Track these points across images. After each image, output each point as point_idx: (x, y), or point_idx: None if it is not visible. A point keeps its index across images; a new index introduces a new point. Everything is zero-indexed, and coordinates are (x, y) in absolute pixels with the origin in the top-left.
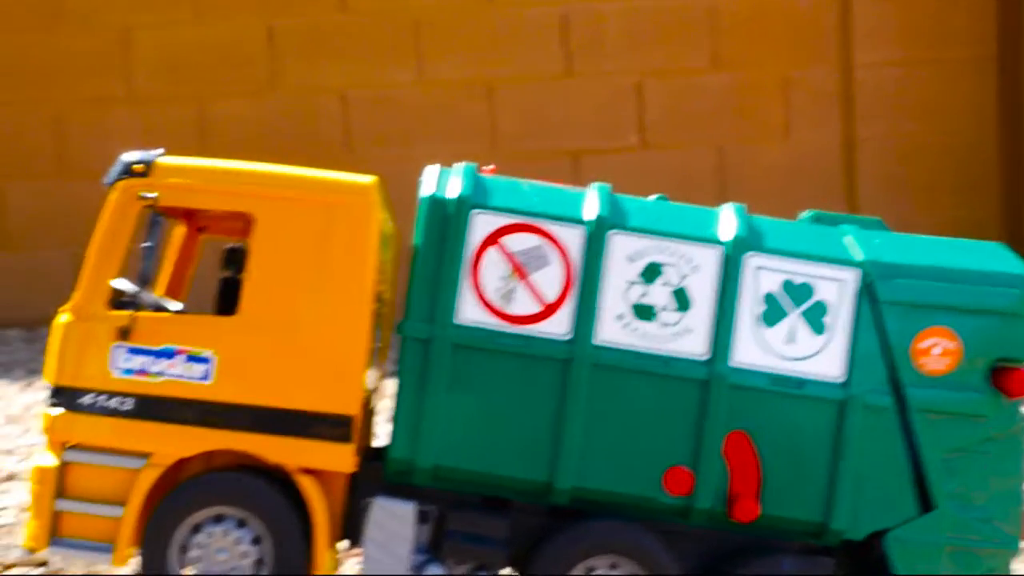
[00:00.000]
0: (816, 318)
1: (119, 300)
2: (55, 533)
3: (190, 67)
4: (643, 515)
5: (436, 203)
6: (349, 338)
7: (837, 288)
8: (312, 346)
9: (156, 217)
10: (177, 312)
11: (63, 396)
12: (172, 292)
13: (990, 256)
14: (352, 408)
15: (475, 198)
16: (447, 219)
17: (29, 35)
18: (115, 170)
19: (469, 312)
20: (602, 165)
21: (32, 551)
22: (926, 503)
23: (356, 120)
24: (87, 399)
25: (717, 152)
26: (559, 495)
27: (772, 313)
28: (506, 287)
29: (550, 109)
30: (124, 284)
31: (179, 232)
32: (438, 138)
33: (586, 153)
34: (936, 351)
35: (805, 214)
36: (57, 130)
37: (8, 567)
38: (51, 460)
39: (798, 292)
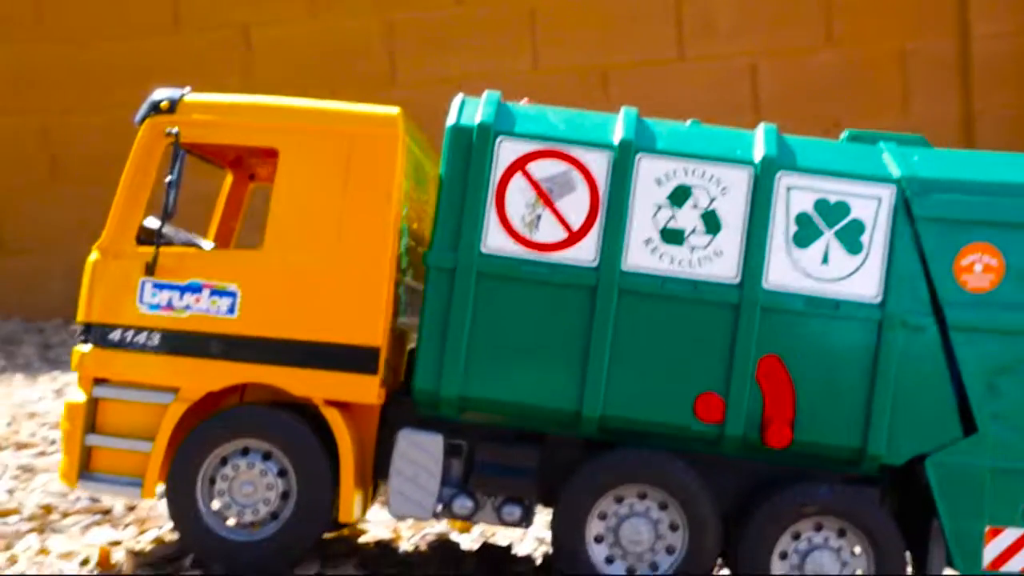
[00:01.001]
0: (851, 237)
1: (152, 237)
2: (85, 468)
3: (308, 63)
4: (676, 444)
5: (460, 131)
6: (372, 269)
7: (873, 206)
8: (336, 278)
9: (179, 152)
10: (190, 246)
11: (92, 333)
12: (220, 240)
13: None
14: (376, 339)
15: (499, 125)
16: (471, 147)
17: (151, 39)
18: (143, 108)
19: (494, 240)
20: None
21: (68, 486)
22: (969, 426)
23: None
24: (115, 335)
25: (834, 129)
26: (588, 424)
27: (805, 234)
28: (532, 214)
29: (664, 93)
30: (154, 222)
31: (228, 180)
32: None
33: None
34: (978, 268)
35: (844, 133)
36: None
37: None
38: (80, 396)
39: (832, 211)
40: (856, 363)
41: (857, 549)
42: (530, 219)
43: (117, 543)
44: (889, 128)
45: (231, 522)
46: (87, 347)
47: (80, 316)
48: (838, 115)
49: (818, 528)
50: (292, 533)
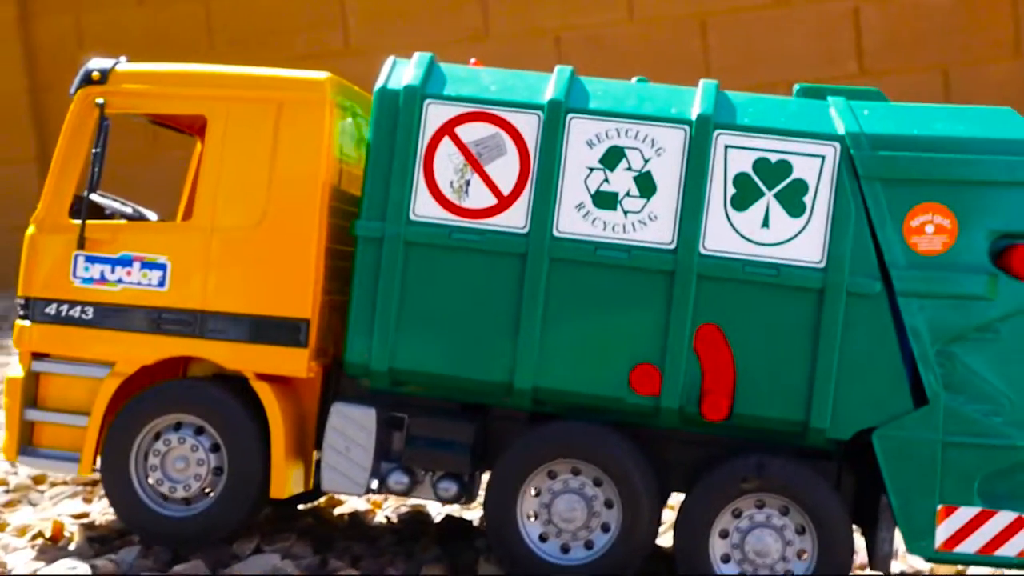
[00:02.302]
0: (793, 199)
1: (94, 211)
2: (28, 443)
3: (404, 17)
4: (614, 417)
5: (386, 94)
6: (301, 238)
7: (816, 165)
8: (264, 248)
9: (104, 123)
10: (133, 219)
11: (31, 307)
12: (190, 209)
13: (993, 122)
14: (305, 311)
15: (427, 88)
16: (397, 111)
17: None
18: (77, 79)
19: (423, 208)
20: None
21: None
22: (920, 398)
23: (569, 61)
24: (51, 309)
25: (942, 74)
26: (520, 397)
27: (744, 195)
28: (461, 180)
29: (764, 41)
30: (98, 197)
31: (198, 149)
32: (652, 75)
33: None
34: (929, 229)
35: (795, 87)
36: None
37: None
38: (19, 371)
39: (773, 171)
40: (798, 332)
41: (801, 528)
42: (459, 185)
43: (84, 515)
44: (999, 77)
45: (166, 497)
46: (26, 322)
47: (19, 291)
48: (946, 61)
49: (760, 506)
50: (226, 508)
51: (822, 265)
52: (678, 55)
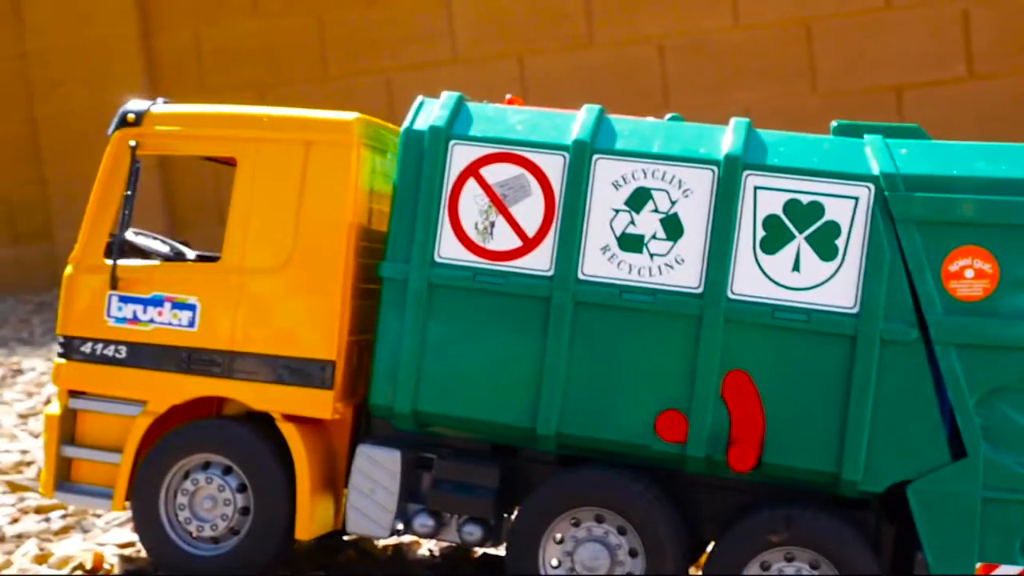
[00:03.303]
0: (825, 242)
1: (131, 250)
2: (65, 478)
3: (509, 25)
4: (641, 463)
5: (412, 135)
6: (327, 280)
7: (849, 207)
8: (291, 291)
9: (135, 165)
10: (168, 260)
11: (67, 345)
12: None
13: None
14: (331, 353)
15: (452, 128)
16: (423, 152)
17: (359, 10)
18: (114, 120)
19: (447, 249)
20: (927, 99)
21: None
22: (958, 450)
23: (673, 69)
24: (87, 347)
25: None
26: (544, 442)
27: (774, 238)
28: (486, 221)
29: (870, 45)
30: (133, 235)
31: None
32: (756, 82)
33: (909, 88)
34: (969, 274)
35: (833, 124)
36: (389, 96)
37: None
38: (56, 408)
39: (804, 213)
40: (830, 380)
41: None
42: (484, 226)
43: (130, 544)
44: None
45: (194, 536)
46: (63, 360)
47: (58, 329)
48: None
49: (789, 559)
50: (252, 548)
51: (855, 311)
52: (783, 61)
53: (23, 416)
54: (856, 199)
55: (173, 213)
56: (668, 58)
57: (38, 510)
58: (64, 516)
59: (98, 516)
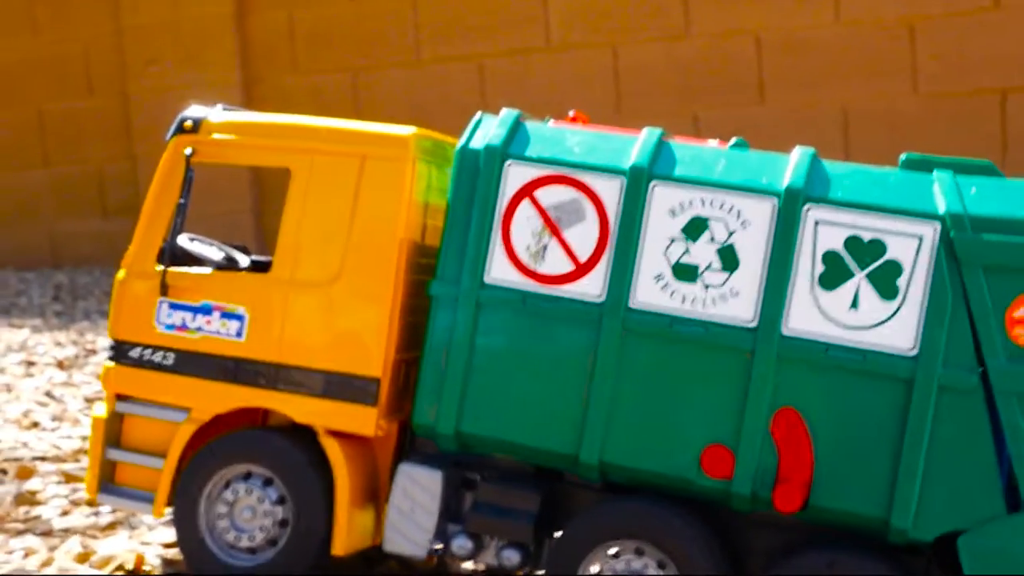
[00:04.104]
0: (886, 280)
1: (183, 257)
2: (110, 481)
3: (605, 15)
4: (685, 497)
5: (467, 154)
6: (375, 297)
7: (912, 246)
8: (339, 305)
9: (189, 174)
10: (220, 268)
11: (116, 349)
12: None
13: None
14: (376, 370)
15: (508, 148)
16: (478, 171)
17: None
18: (172, 127)
19: (498, 271)
20: None
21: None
22: (1015, 502)
23: (769, 63)
24: (135, 352)
25: None
26: (586, 470)
27: (833, 274)
28: (538, 244)
29: (975, 45)
30: (186, 240)
31: None
32: (854, 80)
33: (1014, 91)
34: None
35: (902, 157)
36: (481, 82)
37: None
38: (103, 411)
39: (865, 250)
40: (883, 423)
41: None
42: (536, 249)
43: (175, 544)
44: None
45: (232, 546)
46: (112, 363)
47: (109, 332)
48: None
49: None
50: (288, 561)
51: (913, 354)
52: (883, 60)
53: (89, 400)
54: (920, 238)
55: (262, 217)
56: (765, 52)
57: (89, 503)
58: (113, 511)
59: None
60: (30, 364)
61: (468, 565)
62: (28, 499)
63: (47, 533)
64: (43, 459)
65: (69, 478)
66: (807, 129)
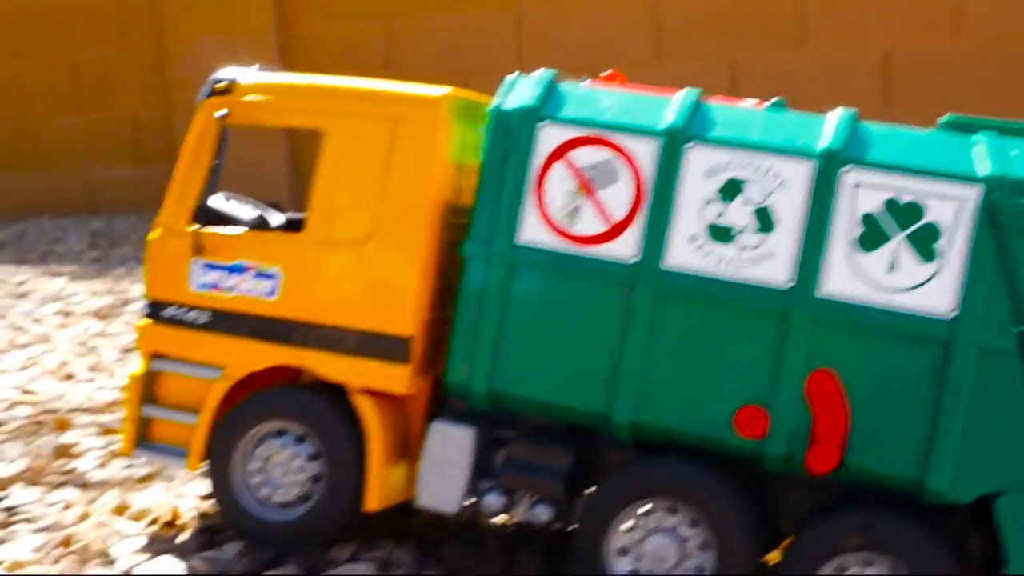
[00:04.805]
0: (925, 243)
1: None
2: (145, 437)
3: (719, 21)
4: (718, 456)
5: (500, 116)
6: (408, 256)
7: (952, 208)
8: (372, 264)
9: (224, 135)
10: (253, 227)
11: (151, 308)
12: None
13: None
14: (407, 328)
15: (543, 109)
16: (511, 132)
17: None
18: (204, 88)
19: (531, 232)
20: None
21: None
22: None
23: (811, 9)
24: (169, 312)
25: None
26: (618, 429)
27: (871, 236)
28: (571, 205)
29: None
30: (219, 200)
31: None
32: (896, 25)
33: None
34: None
35: (943, 119)
36: (518, 26)
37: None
38: (138, 368)
39: (904, 213)
40: (920, 385)
41: None
42: (569, 210)
43: (210, 496)
44: None
45: (265, 502)
46: (146, 321)
47: (146, 293)
48: None
49: (868, 563)
50: (321, 517)
51: (952, 317)
52: (928, 5)
53: (125, 350)
54: (961, 201)
55: (297, 165)
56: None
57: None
58: (149, 464)
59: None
60: (67, 315)
61: (499, 519)
62: (65, 451)
63: (84, 486)
64: (80, 411)
65: (105, 430)
66: (847, 76)
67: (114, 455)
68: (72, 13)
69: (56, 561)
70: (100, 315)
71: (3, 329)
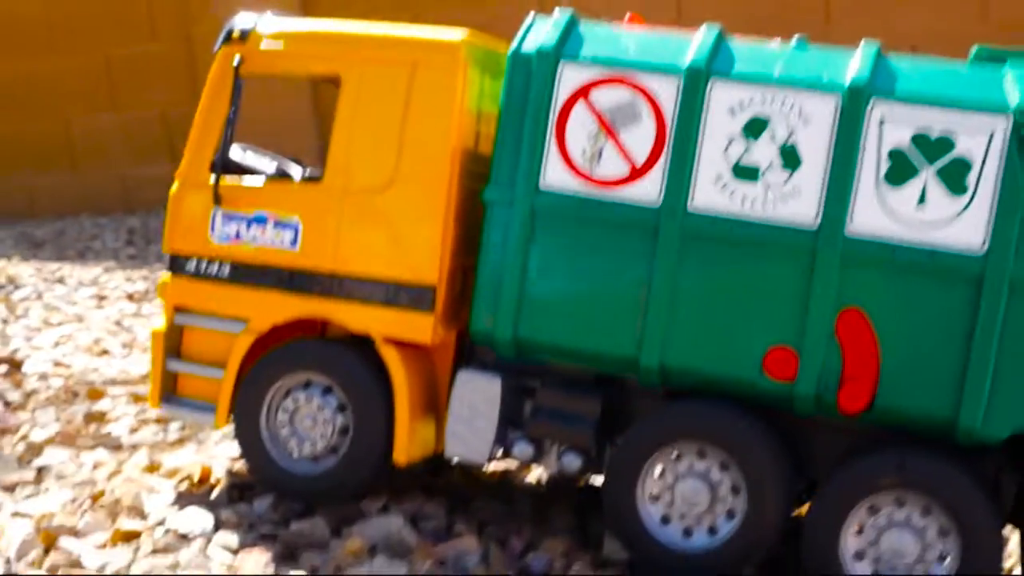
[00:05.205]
0: (955, 177)
1: (235, 167)
2: (172, 392)
3: (743, 3)
4: (748, 399)
5: (519, 57)
6: (429, 203)
7: (983, 140)
8: (393, 212)
9: (238, 83)
10: (275, 178)
11: (173, 262)
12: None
13: None
14: (431, 277)
15: (562, 49)
16: (531, 74)
17: None
18: (220, 36)
19: (553, 176)
20: None
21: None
22: None
23: None
24: (191, 265)
25: None
26: (647, 374)
27: (899, 171)
28: (594, 147)
29: None
30: (239, 151)
31: None
32: (922, 7)
33: None
34: None
35: (973, 49)
36: None
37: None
38: (163, 324)
39: (933, 146)
40: (952, 322)
41: (945, 530)
42: (591, 152)
43: (241, 458)
44: None
45: (293, 454)
46: (169, 276)
47: (164, 246)
48: None
49: (900, 503)
50: (350, 469)
51: (983, 251)
52: None
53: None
54: (991, 132)
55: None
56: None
57: (157, 420)
58: (182, 428)
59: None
60: (101, 298)
61: (531, 478)
62: (98, 417)
63: (116, 447)
64: (113, 383)
65: (138, 399)
66: None
67: (146, 422)
68: (103, 11)
69: (85, 513)
70: (134, 298)
71: (38, 309)
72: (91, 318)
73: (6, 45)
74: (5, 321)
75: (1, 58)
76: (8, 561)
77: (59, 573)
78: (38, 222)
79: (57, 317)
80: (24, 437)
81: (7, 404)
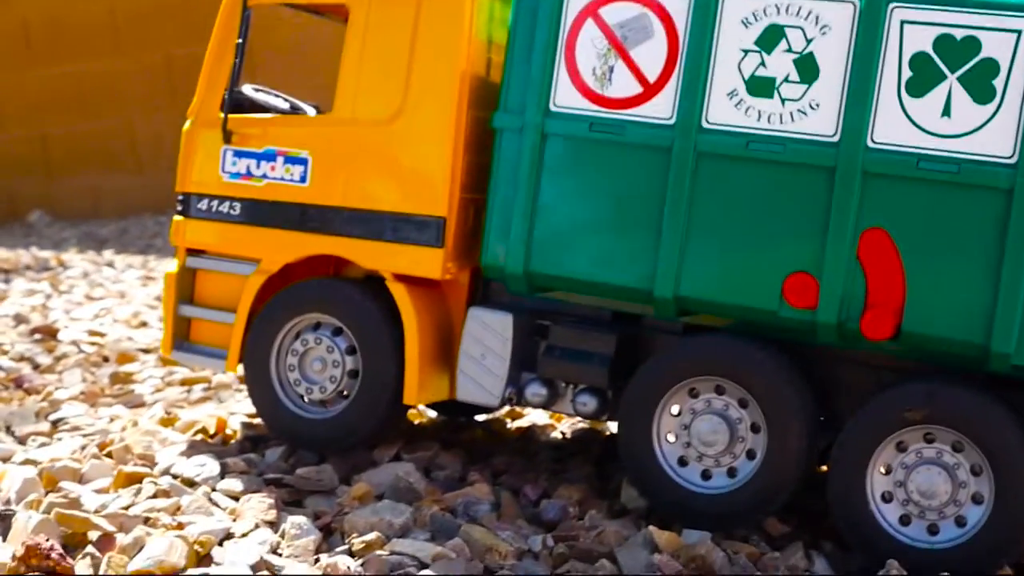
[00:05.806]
0: (981, 82)
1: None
2: (185, 338)
3: None
4: (767, 332)
5: None
6: (438, 133)
7: (1009, 42)
8: (401, 144)
9: (246, 14)
10: (283, 112)
11: (184, 202)
12: None
13: None
14: (440, 209)
15: None
16: None
17: None
18: None
19: (564, 97)
20: None
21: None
22: None
23: None
24: (203, 204)
25: None
26: (662, 306)
27: (922, 79)
28: (604, 66)
29: None
30: (249, 89)
31: None
32: None
33: None
34: None
35: None
36: None
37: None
38: (175, 267)
39: (957, 50)
40: (982, 239)
41: (978, 468)
42: (602, 71)
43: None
44: None
45: (304, 399)
46: (181, 217)
47: (176, 186)
48: None
49: (929, 440)
50: (360, 412)
51: (1013, 160)
52: None
53: None
54: (1019, 32)
55: None
56: None
57: (183, 382)
58: (207, 389)
59: (240, 391)
60: (148, 279)
61: (556, 434)
62: (124, 378)
63: (139, 405)
64: (146, 351)
65: (166, 362)
66: None
67: (171, 384)
68: (167, 12)
69: (90, 459)
70: None
71: (83, 286)
72: (134, 295)
73: (74, 49)
74: (48, 296)
75: (69, 61)
76: (8, 502)
77: (53, 512)
78: (102, 221)
79: (99, 292)
80: (47, 395)
81: (36, 367)
